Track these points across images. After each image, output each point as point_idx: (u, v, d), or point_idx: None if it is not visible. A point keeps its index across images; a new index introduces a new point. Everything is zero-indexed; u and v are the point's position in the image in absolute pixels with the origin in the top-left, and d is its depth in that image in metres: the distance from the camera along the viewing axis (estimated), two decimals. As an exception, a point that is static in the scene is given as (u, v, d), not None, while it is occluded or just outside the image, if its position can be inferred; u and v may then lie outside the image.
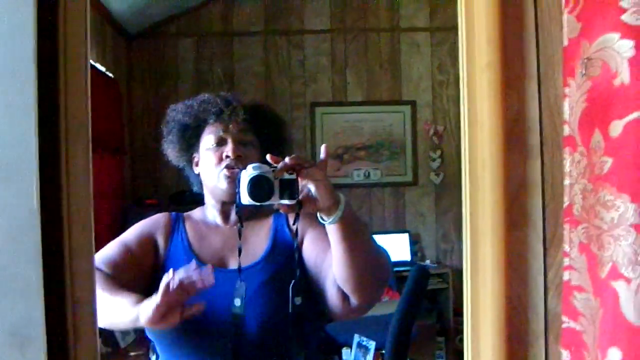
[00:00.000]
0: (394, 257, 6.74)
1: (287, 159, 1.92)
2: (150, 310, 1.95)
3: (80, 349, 1.35)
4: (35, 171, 1.25)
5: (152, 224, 2.46)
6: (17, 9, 1.26)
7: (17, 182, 1.25)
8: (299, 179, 1.94)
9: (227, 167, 2.29)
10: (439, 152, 7.89)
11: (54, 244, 1.32)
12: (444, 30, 7.77)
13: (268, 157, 1.96)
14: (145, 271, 2.34)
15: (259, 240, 2.37)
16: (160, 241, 2.40)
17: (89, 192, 1.38)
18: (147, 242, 2.39)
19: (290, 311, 2.05)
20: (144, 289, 2.28)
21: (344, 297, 2.15)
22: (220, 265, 2.33)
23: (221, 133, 2.33)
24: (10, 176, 1.25)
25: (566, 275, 1.41)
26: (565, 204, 1.42)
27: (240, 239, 2.11)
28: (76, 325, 1.35)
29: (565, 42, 1.42)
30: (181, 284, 1.94)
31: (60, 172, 1.33)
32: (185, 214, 2.51)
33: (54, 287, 1.31)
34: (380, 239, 6.80)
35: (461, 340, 5.97)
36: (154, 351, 2.35)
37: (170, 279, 1.94)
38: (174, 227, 2.44)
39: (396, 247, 7.29)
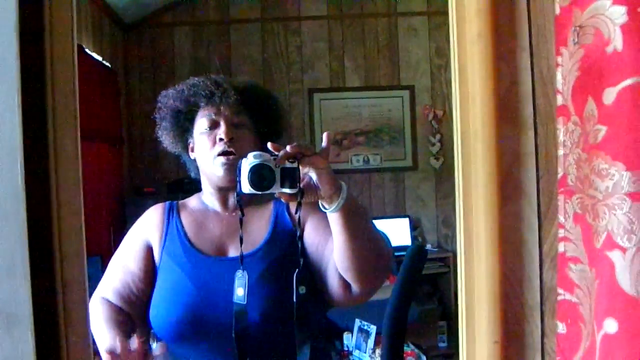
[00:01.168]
0: (395, 242, 6.68)
1: (288, 147, 1.89)
2: None
3: (71, 331, 1.34)
4: (19, 150, 1.24)
5: (144, 226, 2.46)
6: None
7: (1, 162, 1.23)
8: (301, 167, 1.92)
9: (223, 153, 2.26)
10: (438, 137, 7.88)
11: (44, 227, 1.31)
12: (441, 14, 7.73)
13: (269, 145, 1.93)
14: (149, 278, 2.36)
15: (259, 227, 2.35)
16: (154, 239, 2.40)
17: (78, 175, 1.38)
18: (145, 252, 2.40)
19: (295, 300, 2.03)
20: (142, 291, 2.34)
21: (346, 284, 2.14)
22: (219, 254, 2.32)
23: (213, 116, 2.31)
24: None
25: (561, 247, 1.40)
26: (560, 175, 1.41)
27: (241, 228, 2.09)
28: (67, 307, 1.34)
29: (557, 11, 1.40)
30: None
31: (48, 155, 1.32)
32: (180, 202, 2.50)
33: (44, 269, 1.30)
34: (381, 224, 6.77)
35: (463, 323, 5.97)
36: (156, 338, 2.34)
37: None
38: (168, 219, 2.42)
39: (396, 232, 7.29)
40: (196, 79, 2.39)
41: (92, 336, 1.77)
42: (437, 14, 7.85)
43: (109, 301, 2.35)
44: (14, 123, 1.23)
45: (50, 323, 1.32)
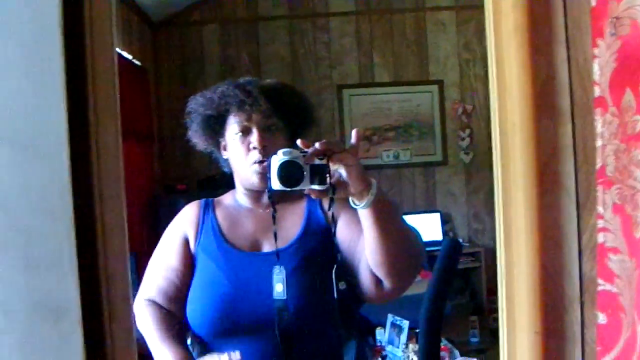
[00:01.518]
0: (426, 237, 6.69)
1: (317, 144, 1.91)
2: None
3: (115, 324, 1.36)
4: (65, 147, 1.26)
5: (181, 222, 2.49)
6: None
7: (48, 159, 1.26)
8: (331, 164, 1.93)
9: (258, 162, 2.28)
10: (468, 131, 7.87)
11: (87, 222, 1.33)
12: (469, 8, 7.73)
13: (299, 142, 1.95)
14: (191, 273, 2.38)
15: (292, 222, 2.37)
16: (190, 235, 2.42)
17: (119, 171, 1.39)
18: (184, 247, 2.42)
19: (335, 296, 2.05)
20: (186, 285, 2.36)
21: (378, 281, 2.15)
22: (254, 249, 2.34)
23: (245, 122, 2.32)
24: (42, 154, 1.26)
25: (600, 238, 1.40)
26: (598, 166, 1.41)
27: (274, 224, 2.11)
28: (110, 301, 1.36)
29: (593, 3, 1.40)
30: None
31: (90, 151, 1.34)
32: (215, 199, 2.52)
33: (88, 263, 1.32)
34: (411, 219, 6.78)
35: (495, 319, 5.95)
36: (195, 337, 2.37)
37: None
38: (204, 216, 2.45)
39: (427, 227, 7.29)
40: (225, 86, 2.39)
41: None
42: (465, 9, 7.84)
43: (155, 303, 2.38)
44: (60, 123, 1.25)
45: (94, 317, 1.33)
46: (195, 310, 2.28)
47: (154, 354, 2.25)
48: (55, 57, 1.26)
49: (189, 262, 2.39)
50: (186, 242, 2.41)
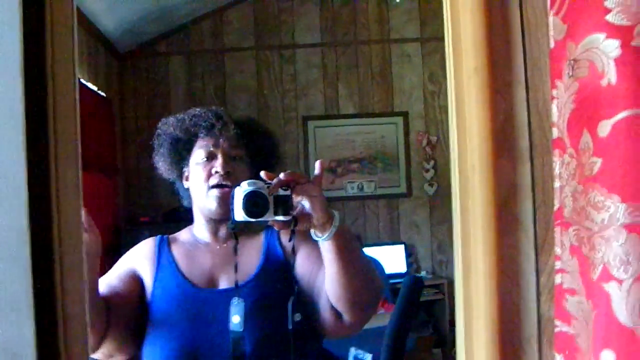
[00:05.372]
0: (389, 269, 6.74)
1: (281, 175, 1.91)
2: None
3: (70, 365, 1.35)
4: (24, 188, 1.25)
5: (134, 257, 2.45)
6: (2, 24, 1.26)
7: (6, 199, 1.24)
8: (294, 195, 1.93)
9: (217, 185, 2.28)
10: (432, 163, 7.91)
11: (45, 261, 1.31)
12: (435, 40, 7.79)
13: (262, 173, 1.95)
14: (134, 305, 2.32)
15: (250, 257, 2.35)
16: (145, 272, 2.38)
17: (79, 211, 1.38)
18: (131, 278, 2.37)
19: (290, 328, 2.04)
20: (136, 321, 2.30)
21: (337, 314, 2.14)
22: (210, 286, 2.32)
23: (211, 148, 2.33)
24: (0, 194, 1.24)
25: (558, 279, 1.41)
26: (556, 207, 1.42)
27: (235, 255, 2.10)
28: (67, 342, 1.34)
29: (552, 44, 1.42)
30: None
31: (50, 191, 1.33)
32: (170, 236, 2.51)
33: (45, 302, 1.30)
34: (375, 251, 6.81)
35: (459, 350, 5.96)
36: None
37: None
38: (160, 253, 2.42)
39: (391, 258, 7.29)
40: (198, 109, 2.41)
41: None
42: (430, 40, 7.89)
43: None
44: (20, 166, 1.24)
45: (50, 357, 1.32)
46: (154, 350, 2.23)
47: None
48: (15, 97, 1.25)
49: (131, 288, 2.33)
50: (133, 274, 2.37)
